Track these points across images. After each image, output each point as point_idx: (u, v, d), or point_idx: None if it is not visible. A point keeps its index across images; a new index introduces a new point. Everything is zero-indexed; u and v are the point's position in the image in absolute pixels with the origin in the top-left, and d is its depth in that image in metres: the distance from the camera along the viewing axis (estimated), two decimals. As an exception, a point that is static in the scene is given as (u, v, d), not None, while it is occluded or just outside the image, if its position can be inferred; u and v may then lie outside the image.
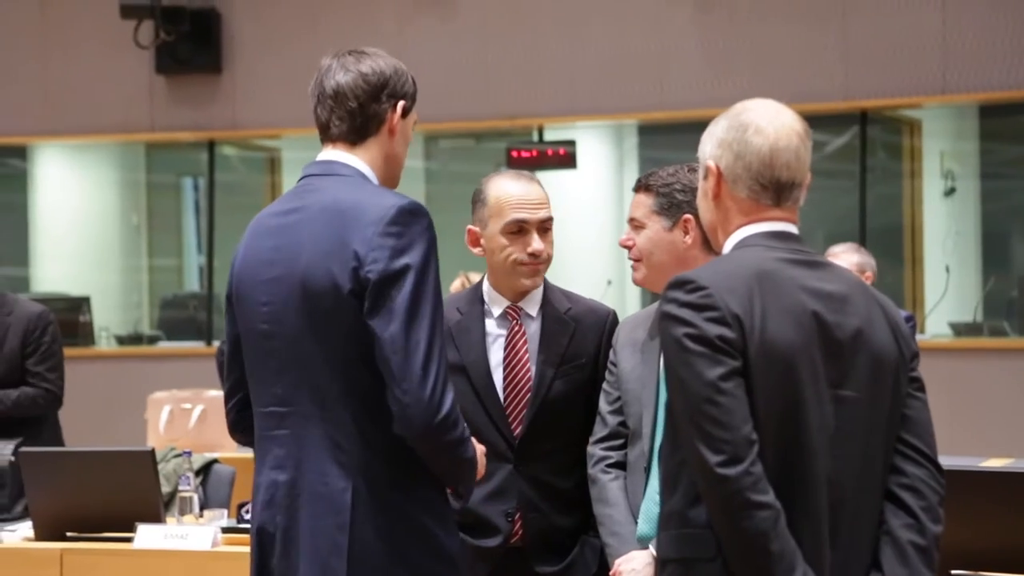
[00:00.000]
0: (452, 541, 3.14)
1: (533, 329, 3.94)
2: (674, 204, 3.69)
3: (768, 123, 2.76)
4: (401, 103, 3.19)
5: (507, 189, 3.90)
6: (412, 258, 3.01)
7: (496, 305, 3.95)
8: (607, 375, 3.84)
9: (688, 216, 3.64)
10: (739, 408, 2.60)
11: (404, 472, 3.07)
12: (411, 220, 3.03)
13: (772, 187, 2.76)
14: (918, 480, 2.79)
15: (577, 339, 3.93)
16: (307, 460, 3.08)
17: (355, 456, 3.05)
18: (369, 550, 3.03)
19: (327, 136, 3.21)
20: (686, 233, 3.67)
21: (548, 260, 3.95)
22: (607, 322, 3.98)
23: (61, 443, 6.55)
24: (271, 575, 3.15)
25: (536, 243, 3.89)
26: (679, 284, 2.68)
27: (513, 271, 3.90)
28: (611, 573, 3.66)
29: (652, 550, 3.52)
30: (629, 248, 3.77)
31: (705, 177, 2.83)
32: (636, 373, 3.72)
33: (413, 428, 2.99)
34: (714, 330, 2.61)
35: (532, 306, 3.96)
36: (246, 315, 3.20)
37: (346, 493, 3.04)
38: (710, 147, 2.81)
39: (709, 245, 3.57)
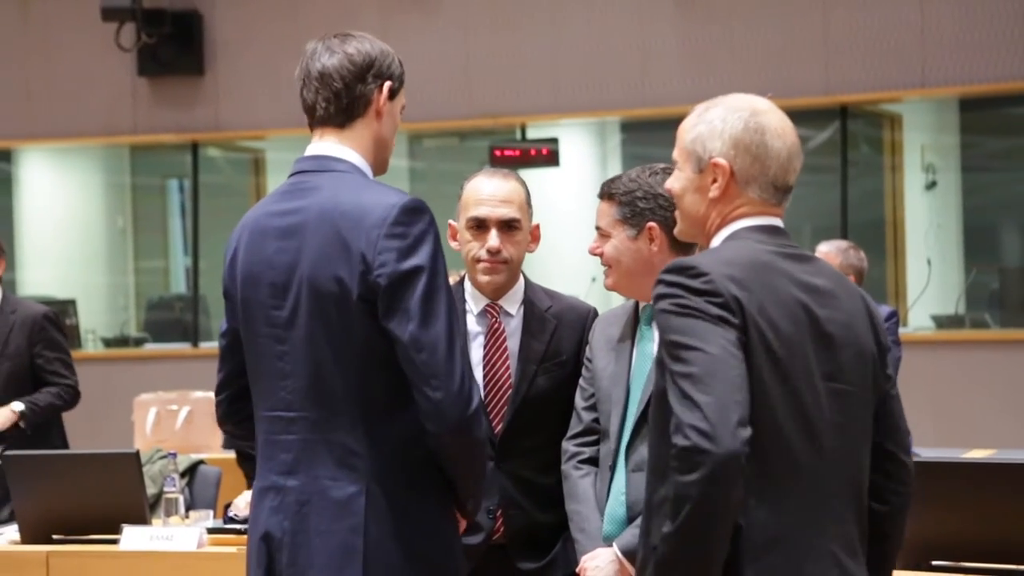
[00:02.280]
0: (458, 539, 3.18)
1: (513, 327, 3.95)
2: (637, 212, 3.68)
3: (782, 127, 2.78)
4: (388, 84, 3.17)
5: (477, 185, 3.92)
6: (420, 257, 3.00)
7: (476, 303, 3.97)
8: (583, 371, 3.86)
9: (652, 224, 3.65)
10: (740, 378, 2.56)
11: (417, 474, 3.07)
12: (414, 218, 3.02)
13: (783, 190, 2.79)
14: (888, 483, 2.84)
15: (557, 336, 3.95)
16: (317, 465, 3.07)
17: (368, 460, 3.04)
18: (384, 549, 3.03)
19: (314, 119, 3.19)
20: (651, 241, 3.67)
21: (510, 262, 3.92)
22: (588, 319, 3.99)
23: (67, 444, 6.58)
24: None
25: (492, 240, 3.89)
26: (680, 269, 2.66)
27: (473, 267, 3.92)
28: (577, 570, 3.69)
29: (616, 548, 3.57)
30: (599, 256, 3.77)
31: (701, 170, 2.79)
32: (608, 371, 3.73)
33: (447, 422, 2.98)
34: (716, 312, 2.60)
35: (512, 304, 3.97)
36: (251, 317, 3.18)
37: (359, 497, 3.03)
38: (720, 145, 2.77)
39: (676, 250, 3.58)
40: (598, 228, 3.77)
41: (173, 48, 11.19)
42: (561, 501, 3.88)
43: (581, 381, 3.86)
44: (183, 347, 11.53)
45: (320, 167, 3.15)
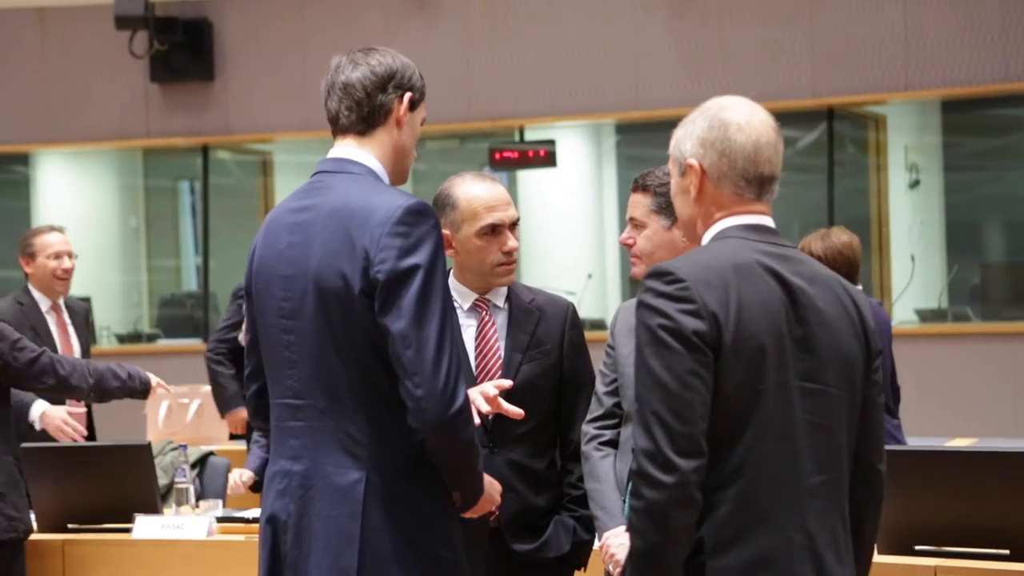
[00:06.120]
0: (458, 530, 3.17)
1: (501, 319, 4.02)
2: (671, 203, 3.78)
3: (746, 121, 2.76)
4: (408, 95, 3.22)
5: (476, 192, 3.93)
6: (420, 257, 3.01)
7: (464, 299, 4.02)
8: (604, 358, 3.97)
9: None
10: (700, 406, 2.59)
11: (416, 465, 3.08)
12: (418, 220, 3.05)
13: (756, 182, 2.76)
14: (859, 489, 2.80)
15: (542, 327, 4.02)
16: (321, 452, 3.10)
17: (369, 449, 3.07)
18: (380, 537, 3.06)
19: (337, 128, 3.22)
20: None
21: (517, 259, 4.08)
22: (568, 313, 4.08)
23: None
24: (283, 561, 3.16)
25: (512, 241, 3.94)
26: (658, 274, 2.66)
27: (492, 272, 3.96)
28: (599, 545, 3.76)
29: None
30: (630, 246, 3.81)
31: (683, 174, 2.81)
32: (633, 358, 3.87)
33: (427, 420, 2.99)
34: (689, 323, 2.60)
35: (499, 298, 4.03)
36: (264, 309, 3.22)
37: (359, 484, 3.06)
38: (690, 146, 2.78)
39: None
40: (632, 219, 3.80)
41: (184, 55, 11.32)
42: (553, 484, 4.02)
43: (603, 367, 3.92)
44: (194, 342, 11.61)
45: (337, 168, 3.20)
